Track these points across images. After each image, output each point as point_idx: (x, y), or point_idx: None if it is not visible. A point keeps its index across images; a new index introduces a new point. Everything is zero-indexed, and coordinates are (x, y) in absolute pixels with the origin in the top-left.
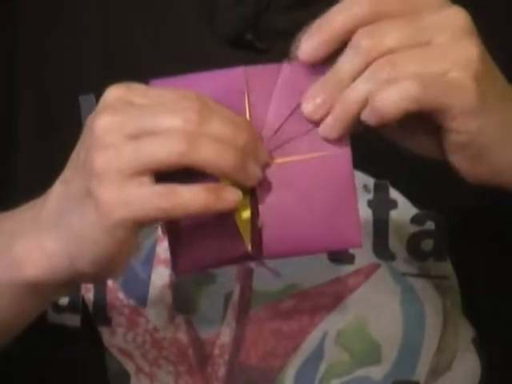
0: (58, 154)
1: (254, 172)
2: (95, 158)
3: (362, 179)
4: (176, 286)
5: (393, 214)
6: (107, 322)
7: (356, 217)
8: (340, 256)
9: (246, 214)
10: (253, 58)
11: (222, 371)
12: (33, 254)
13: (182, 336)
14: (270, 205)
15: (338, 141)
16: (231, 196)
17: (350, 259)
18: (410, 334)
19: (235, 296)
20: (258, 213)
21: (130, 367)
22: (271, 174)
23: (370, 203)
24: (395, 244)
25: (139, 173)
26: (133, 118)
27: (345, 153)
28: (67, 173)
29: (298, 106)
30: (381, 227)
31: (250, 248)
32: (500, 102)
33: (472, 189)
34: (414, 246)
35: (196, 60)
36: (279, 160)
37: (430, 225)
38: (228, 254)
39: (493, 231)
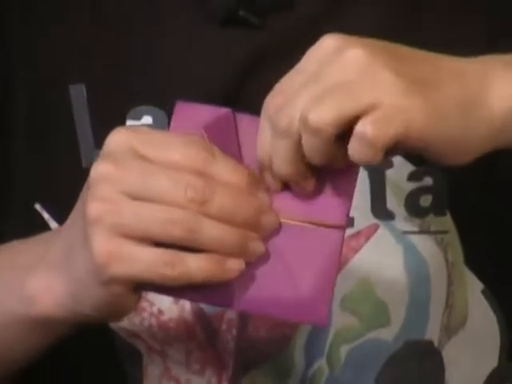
0: (50, 144)
1: (255, 248)
2: (90, 207)
3: None
4: None
5: (389, 173)
6: None
7: (329, 298)
8: None
9: None
10: (243, 35)
11: (231, 345)
12: (43, 292)
13: (188, 315)
14: (250, 263)
15: (336, 214)
16: (235, 266)
17: (349, 222)
18: (416, 292)
19: None
20: None
21: (141, 347)
22: None
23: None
24: (393, 203)
25: (138, 237)
26: (133, 177)
27: (339, 231)
28: (74, 212)
29: None
30: (378, 187)
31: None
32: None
33: None
34: (412, 203)
35: (183, 37)
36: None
37: (427, 180)
38: (210, 297)
39: (491, 179)
